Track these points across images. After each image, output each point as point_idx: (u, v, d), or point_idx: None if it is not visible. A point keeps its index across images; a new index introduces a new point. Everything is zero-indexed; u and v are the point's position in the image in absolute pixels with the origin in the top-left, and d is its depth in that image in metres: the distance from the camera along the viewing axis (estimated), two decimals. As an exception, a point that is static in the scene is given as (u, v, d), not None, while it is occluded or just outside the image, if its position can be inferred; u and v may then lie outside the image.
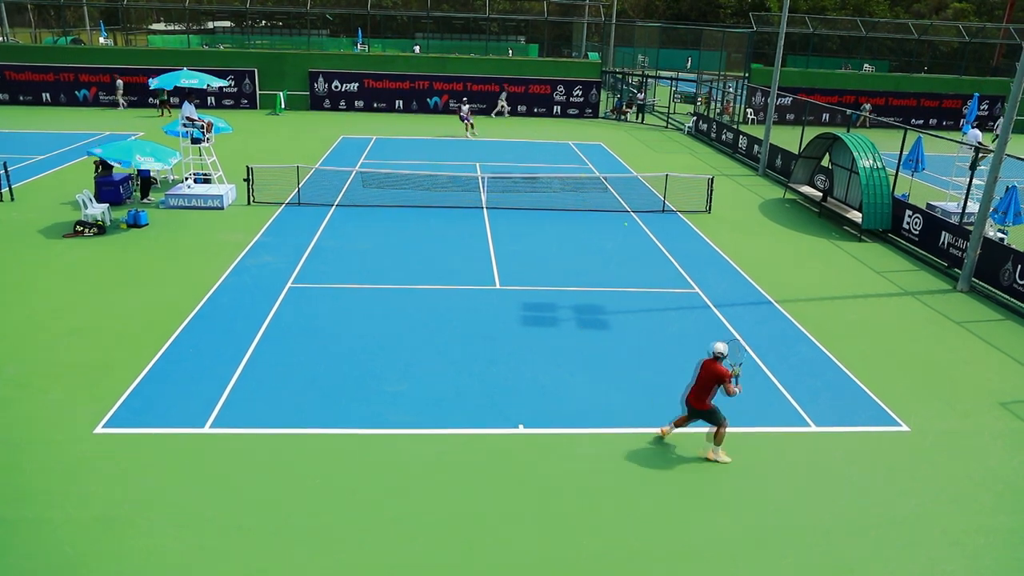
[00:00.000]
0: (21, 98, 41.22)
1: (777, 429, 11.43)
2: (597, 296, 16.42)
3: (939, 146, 28.70)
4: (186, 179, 23.04)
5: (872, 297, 17.32)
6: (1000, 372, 13.77)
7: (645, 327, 14.92)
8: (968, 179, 20.59)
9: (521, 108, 44.44)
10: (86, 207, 19.91)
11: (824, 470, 10.45)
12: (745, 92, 44.24)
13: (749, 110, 44.46)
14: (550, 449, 10.70)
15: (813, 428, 11.51)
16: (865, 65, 54.51)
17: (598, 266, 18.39)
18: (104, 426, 10.80)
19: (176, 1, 51.17)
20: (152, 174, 23.88)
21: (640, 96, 46.00)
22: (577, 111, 44.98)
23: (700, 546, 8.88)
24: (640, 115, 45.26)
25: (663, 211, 23.89)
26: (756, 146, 32.15)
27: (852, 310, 16.43)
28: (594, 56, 50.28)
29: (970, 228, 18.41)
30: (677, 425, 10.85)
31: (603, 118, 45.39)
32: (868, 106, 45.17)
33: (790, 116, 43.85)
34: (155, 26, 61.84)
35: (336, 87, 43.15)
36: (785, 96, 40.29)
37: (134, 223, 20.23)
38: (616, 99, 47.44)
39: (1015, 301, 17.02)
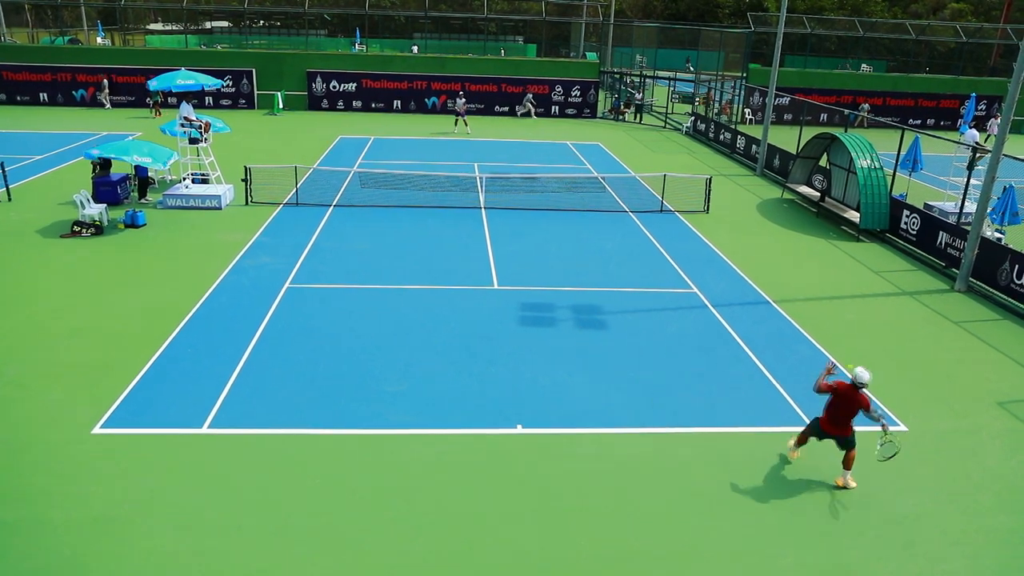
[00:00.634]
0: (18, 98, 41.15)
1: (775, 429, 11.44)
2: (595, 296, 16.42)
3: (937, 146, 28.74)
4: (184, 179, 23.01)
5: (870, 297, 17.34)
6: (998, 372, 13.79)
7: (643, 327, 14.92)
8: (965, 179, 20.62)
9: (519, 108, 44.39)
10: (83, 207, 19.88)
11: (823, 470, 10.45)
12: (743, 92, 44.27)
13: (747, 110, 44.50)
14: (549, 449, 10.70)
15: (811, 428, 11.51)
16: (863, 65, 54.56)
17: (596, 266, 18.39)
18: (102, 426, 10.78)
19: (174, 1, 51.12)
20: (150, 174, 23.86)
21: (638, 96, 46.03)
22: (575, 111, 44.99)
23: (699, 546, 8.89)
24: (638, 115, 45.28)
25: (661, 211, 23.90)
26: (754, 146, 32.18)
27: (850, 310, 16.45)
28: (592, 56, 50.29)
29: (967, 228, 18.43)
30: (800, 443, 10.56)
31: (601, 118, 45.40)
32: (866, 106, 45.21)
33: (788, 116, 43.87)
34: (153, 26, 61.78)
35: (334, 87, 43.12)
36: (783, 96, 40.34)
37: (132, 223, 20.21)
38: (614, 99, 47.46)
39: (1013, 301, 17.05)
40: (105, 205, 20.77)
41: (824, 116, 41.64)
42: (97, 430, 10.70)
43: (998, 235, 20.03)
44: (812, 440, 10.45)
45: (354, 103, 43.47)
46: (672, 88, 49.85)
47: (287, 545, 8.61)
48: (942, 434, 11.55)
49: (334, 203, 23.22)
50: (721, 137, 36.73)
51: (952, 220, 20.90)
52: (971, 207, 20.57)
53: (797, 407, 12.08)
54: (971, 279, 18.09)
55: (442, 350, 13.54)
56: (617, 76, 48.94)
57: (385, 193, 24.28)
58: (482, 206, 23.51)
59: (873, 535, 9.16)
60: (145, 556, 8.33)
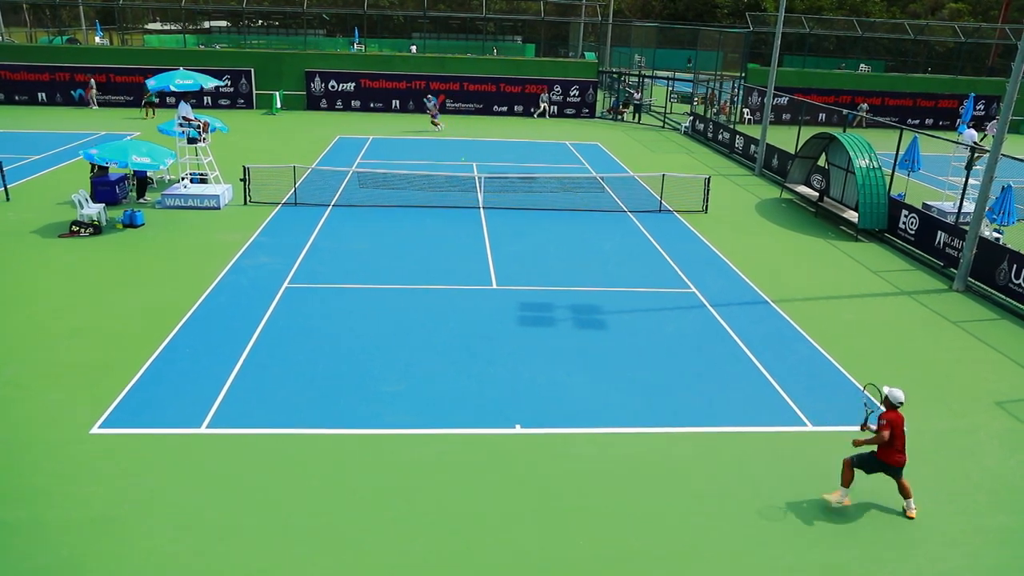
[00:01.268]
0: (17, 98, 41.12)
1: (774, 428, 11.44)
2: (594, 296, 16.42)
3: (935, 146, 28.75)
4: (182, 179, 22.99)
5: (868, 297, 17.35)
6: (996, 371, 13.80)
7: (642, 327, 14.93)
8: (964, 179, 20.63)
9: (518, 108, 44.44)
10: (82, 207, 19.86)
11: (821, 469, 10.45)
12: (742, 92, 44.29)
13: (746, 110, 44.51)
14: (548, 449, 10.70)
15: (810, 427, 11.53)
16: (861, 65, 54.60)
17: (595, 266, 18.39)
18: (101, 426, 10.77)
19: (172, 1, 51.08)
20: (148, 174, 23.84)
21: (637, 96, 46.04)
22: (574, 111, 45.00)
23: (698, 545, 8.89)
24: (637, 115, 45.30)
25: (660, 211, 23.90)
26: (753, 146, 32.20)
27: (848, 310, 16.46)
28: (591, 56, 50.29)
29: (966, 228, 18.45)
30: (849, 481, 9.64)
31: (600, 118, 45.41)
32: (865, 106, 45.25)
33: (786, 116, 43.89)
34: (151, 26, 61.75)
35: (333, 87, 43.12)
36: (781, 96, 40.34)
37: (130, 223, 20.19)
38: (613, 99, 47.46)
39: (1011, 301, 17.06)
40: (103, 205, 20.75)
41: (823, 116, 41.67)
42: (96, 430, 10.69)
43: (996, 235, 20.05)
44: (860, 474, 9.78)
45: (352, 103, 43.47)
46: (671, 88, 49.87)
47: (287, 545, 8.61)
48: (941, 434, 11.56)
49: (333, 203, 23.21)
50: (720, 137, 36.75)
51: (950, 220, 20.92)
52: (969, 207, 20.59)
53: (795, 406, 12.09)
54: (969, 279, 18.10)
55: (441, 350, 13.54)
56: (616, 76, 48.96)
57: (384, 193, 24.27)
58: (481, 206, 23.51)
59: (872, 535, 9.16)
60: (144, 556, 8.33)
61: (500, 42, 64.26)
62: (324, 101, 43.28)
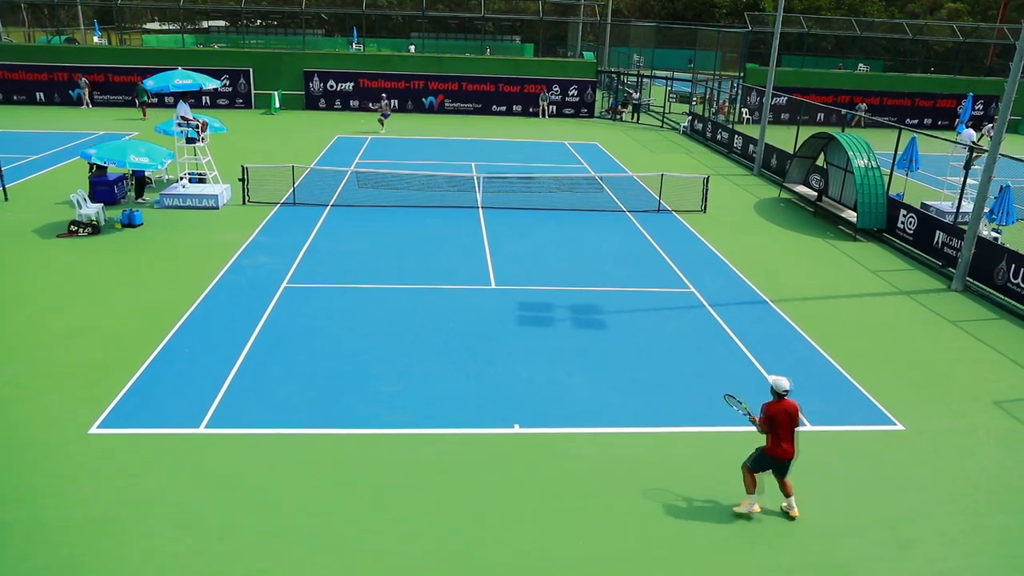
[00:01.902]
0: (15, 97, 41.08)
1: (773, 428, 11.43)
2: (593, 296, 16.42)
3: (933, 146, 28.77)
4: (181, 179, 22.97)
5: (867, 296, 17.36)
6: (995, 371, 13.81)
7: (641, 327, 14.93)
8: (962, 178, 20.65)
9: (516, 108, 44.44)
10: (80, 207, 19.85)
11: (820, 469, 10.47)
12: (741, 92, 44.30)
13: (744, 110, 44.53)
14: (546, 449, 10.70)
15: (808, 427, 11.52)
16: (860, 65, 54.63)
17: (594, 266, 18.39)
18: (99, 426, 10.76)
19: (171, 1, 51.04)
20: (147, 174, 23.82)
21: (635, 96, 46.05)
22: (573, 111, 45.00)
23: (696, 545, 8.89)
24: (636, 115, 45.30)
25: (659, 211, 23.91)
26: (751, 146, 32.21)
27: (847, 309, 16.47)
28: (589, 56, 50.28)
29: (964, 227, 18.46)
30: (753, 489, 9.41)
31: (599, 118, 45.42)
32: (863, 105, 45.27)
33: (785, 116, 43.92)
34: (150, 25, 61.71)
35: (331, 87, 43.09)
36: (780, 96, 40.36)
37: (129, 223, 20.17)
38: (611, 99, 47.46)
39: (1009, 300, 17.07)
40: (102, 204, 20.73)
41: (821, 116, 41.70)
42: (95, 430, 10.68)
43: (995, 234, 20.07)
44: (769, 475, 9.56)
45: (351, 102, 43.44)
46: (669, 88, 49.87)
47: (286, 545, 8.60)
48: (939, 434, 11.57)
49: (331, 203, 23.20)
50: (718, 137, 36.76)
51: (949, 220, 20.93)
52: (968, 206, 20.60)
53: (794, 406, 12.08)
54: (968, 278, 18.11)
55: (440, 350, 13.53)
56: (614, 76, 48.96)
57: (382, 193, 24.26)
58: (480, 206, 23.51)
59: (871, 534, 9.17)
60: (143, 556, 8.32)
61: (498, 42, 64.25)
62: (323, 101, 43.26)
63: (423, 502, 9.44)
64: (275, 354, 13.14)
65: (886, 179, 22.33)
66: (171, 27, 58.95)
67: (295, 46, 51.74)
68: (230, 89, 42.21)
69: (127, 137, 30.77)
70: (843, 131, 25.29)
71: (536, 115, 44.43)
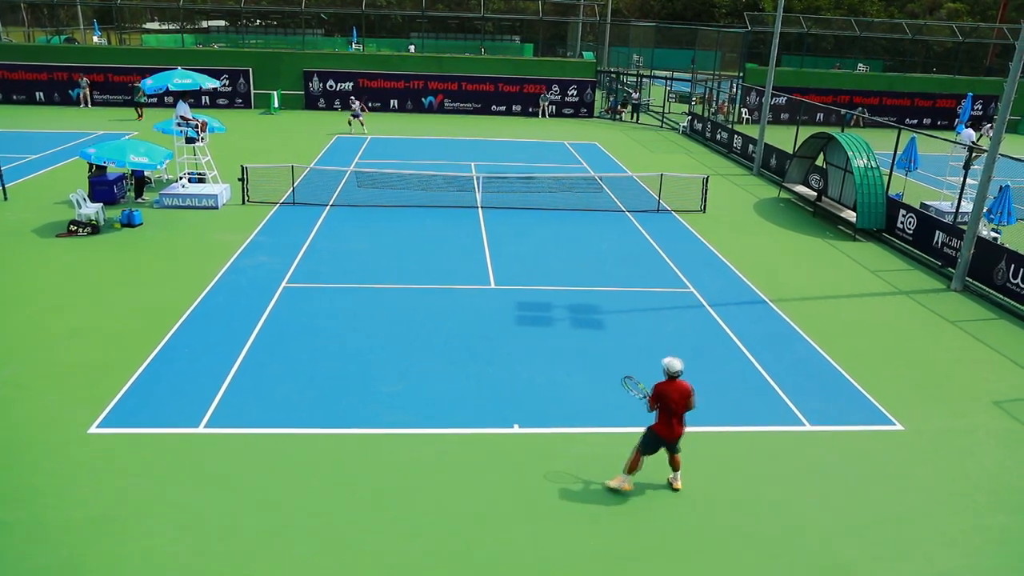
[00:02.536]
0: (14, 97, 41.08)
1: (772, 428, 11.45)
2: (592, 296, 16.43)
3: (933, 146, 28.78)
4: (180, 179, 22.97)
5: (866, 296, 17.37)
6: (994, 371, 13.81)
7: (640, 327, 14.93)
8: (962, 178, 20.66)
9: (516, 108, 44.44)
10: (80, 207, 19.84)
11: (819, 469, 10.47)
12: (740, 92, 44.30)
13: (744, 109, 44.54)
14: (546, 449, 10.70)
15: (808, 427, 11.53)
16: (859, 65, 54.65)
17: (593, 266, 18.40)
18: (99, 426, 10.76)
19: (170, 0, 51.04)
20: (146, 174, 23.82)
21: (635, 96, 46.05)
22: (572, 111, 45.00)
23: (695, 545, 8.89)
24: (635, 115, 45.30)
25: (658, 211, 23.91)
26: (751, 146, 32.21)
27: (847, 309, 16.47)
28: (589, 56, 50.29)
29: (964, 227, 18.46)
30: (633, 470, 9.61)
31: (598, 118, 45.42)
32: (861, 109, 45.30)
33: (784, 116, 43.95)
34: (149, 25, 61.71)
35: (331, 86, 43.09)
36: (780, 96, 40.38)
37: (128, 223, 20.17)
38: (611, 99, 47.46)
39: (1009, 300, 17.08)
40: (101, 204, 20.72)
41: (820, 116, 41.71)
42: (94, 430, 10.68)
43: (994, 234, 20.08)
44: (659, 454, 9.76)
45: (351, 102, 43.37)
46: (669, 88, 49.87)
47: (285, 545, 8.60)
48: (939, 433, 11.57)
49: (331, 203, 23.19)
50: (718, 137, 36.77)
51: (948, 220, 20.94)
52: (967, 206, 20.61)
53: (794, 406, 12.10)
54: (967, 278, 18.12)
55: (439, 350, 13.53)
56: (614, 76, 48.97)
57: (382, 193, 24.26)
58: (479, 206, 23.50)
59: (870, 534, 9.17)
60: (143, 556, 8.32)
61: (498, 42, 64.24)
62: (322, 100, 43.25)
63: (423, 502, 9.44)
64: (275, 354, 13.14)
65: (886, 179, 22.34)
66: (171, 27, 58.95)
67: (295, 46, 51.73)
68: (230, 89, 42.21)
69: (126, 137, 30.75)
70: (843, 131, 25.30)
71: (536, 115, 44.45)
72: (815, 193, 25.24)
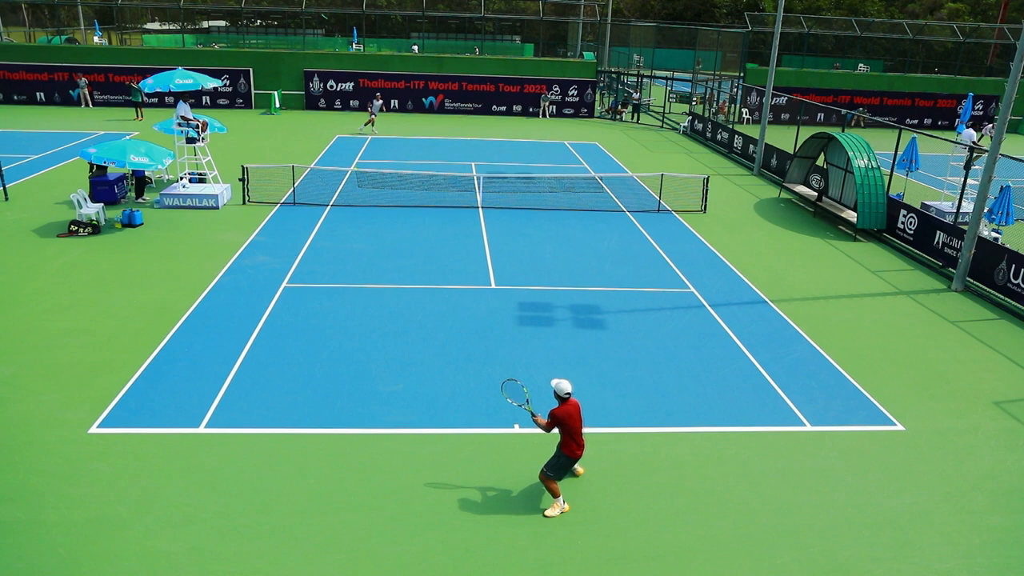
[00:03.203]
0: (15, 97, 41.08)
1: (772, 428, 11.45)
2: (592, 296, 16.43)
3: (934, 146, 28.78)
4: (181, 179, 22.98)
5: (867, 296, 17.36)
6: (995, 371, 13.81)
7: (640, 327, 14.93)
8: (962, 179, 20.65)
9: (516, 108, 44.45)
10: (80, 207, 19.85)
11: (819, 469, 10.47)
12: (741, 92, 44.30)
13: (744, 110, 44.53)
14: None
15: (808, 427, 11.53)
16: (860, 65, 54.64)
17: (593, 266, 18.40)
18: (99, 426, 10.77)
19: (171, 0, 51.06)
20: (147, 174, 23.83)
21: (635, 96, 46.06)
22: (573, 111, 45.01)
23: (695, 545, 8.89)
24: (635, 115, 45.31)
25: (658, 211, 23.91)
26: (751, 146, 32.21)
27: (847, 309, 16.47)
28: (589, 56, 50.30)
29: (965, 228, 18.45)
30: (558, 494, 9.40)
31: (599, 118, 45.42)
32: (862, 108, 45.30)
33: (785, 116, 43.95)
34: (150, 25, 61.70)
35: (331, 87, 43.10)
36: (780, 96, 40.37)
37: (129, 223, 20.18)
38: (611, 99, 47.45)
39: (1009, 301, 17.07)
40: (102, 204, 20.73)
41: (821, 116, 41.70)
42: (94, 430, 10.68)
43: (995, 234, 20.07)
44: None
45: (351, 102, 43.45)
46: (669, 88, 49.88)
47: (285, 545, 8.60)
48: (938, 433, 11.57)
49: (331, 203, 23.20)
50: (718, 137, 36.76)
51: (949, 220, 20.93)
52: (968, 207, 20.61)
53: (794, 406, 12.10)
54: (968, 279, 18.12)
55: (439, 350, 13.53)
56: (614, 76, 48.97)
57: (382, 193, 24.27)
58: (480, 206, 23.51)
59: (869, 534, 9.17)
60: (142, 556, 8.32)
61: (498, 42, 64.25)
62: (323, 101, 43.27)
63: (422, 502, 9.44)
64: (275, 354, 13.14)
65: (886, 179, 22.34)
66: (171, 27, 58.96)
67: (295, 46, 51.75)
68: (230, 89, 42.22)
69: (127, 137, 30.77)
70: (843, 131, 25.29)
71: (536, 115, 44.46)
72: (816, 193, 25.23)
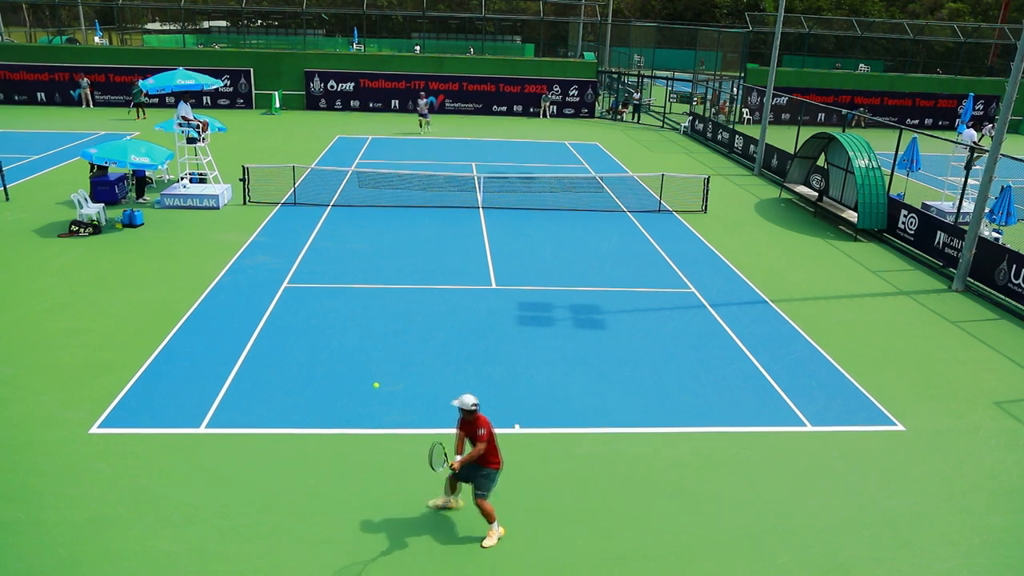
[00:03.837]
0: (16, 97, 41.10)
1: (773, 429, 11.44)
2: (593, 296, 16.42)
3: (934, 146, 28.78)
4: (182, 179, 22.98)
5: (867, 297, 17.36)
6: (995, 371, 13.80)
7: (641, 327, 14.92)
8: (963, 179, 20.65)
9: (517, 108, 44.45)
10: (81, 207, 19.86)
11: (820, 469, 10.46)
12: (741, 92, 44.30)
13: (745, 110, 44.52)
14: (547, 449, 10.70)
15: (809, 427, 11.53)
16: (860, 65, 54.63)
17: (594, 266, 18.39)
18: (99, 426, 10.77)
19: (171, 1, 51.07)
20: (147, 174, 23.84)
21: (636, 96, 46.05)
22: (573, 111, 45.00)
23: (695, 545, 8.89)
24: (636, 115, 45.30)
25: (659, 211, 23.90)
26: (752, 146, 32.20)
27: (847, 309, 16.46)
28: (590, 56, 50.29)
29: (965, 228, 18.45)
30: (454, 490, 9.11)
31: (599, 118, 45.41)
32: (862, 108, 45.29)
33: (786, 116, 43.93)
34: (150, 25, 61.72)
35: (332, 87, 43.10)
36: (781, 96, 40.36)
37: (129, 223, 20.18)
38: (612, 99, 47.45)
39: (1010, 301, 17.06)
40: (103, 204, 20.75)
41: (822, 116, 41.68)
42: (95, 430, 10.69)
43: (996, 235, 20.07)
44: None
45: (352, 103, 43.46)
46: (670, 88, 49.87)
47: (285, 545, 8.60)
48: (939, 433, 11.56)
49: (332, 203, 23.20)
50: (719, 137, 36.75)
51: (950, 220, 20.93)
52: (969, 207, 20.60)
53: (794, 406, 12.09)
54: (969, 279, 18.11)
55: (440, 350, 13.53)
56: (615, 76, 48.97)
57: (383, 193, 24.27)
58: (480, 206, 23.51)
59: (869, 534, 9.16)
60: (142, 556, 8.32)
61: (499, 42, 64.26)
62: (323, 101, 43.27)
63: (422, 502, 9.43)
64: (276, 354, 13.14)
65: (887, 179, 22.33)
66: (172, 27, 58.98)
67: (296, 46, 51.75)
68: (231, 89, 42.23)
69: (128, 137, 30.78)
70: (844, 131, 25.28)
71: (537, 115, 44.46)
72: (816, 193, 25.22)
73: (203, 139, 23.01)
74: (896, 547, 8.97)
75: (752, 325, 15.26)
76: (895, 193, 23.00)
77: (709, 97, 45.48)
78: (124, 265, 17.43)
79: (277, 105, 41.74)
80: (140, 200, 22.88)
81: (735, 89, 44.47)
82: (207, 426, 10.88)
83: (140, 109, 37.86)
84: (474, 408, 8.51)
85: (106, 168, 22.14)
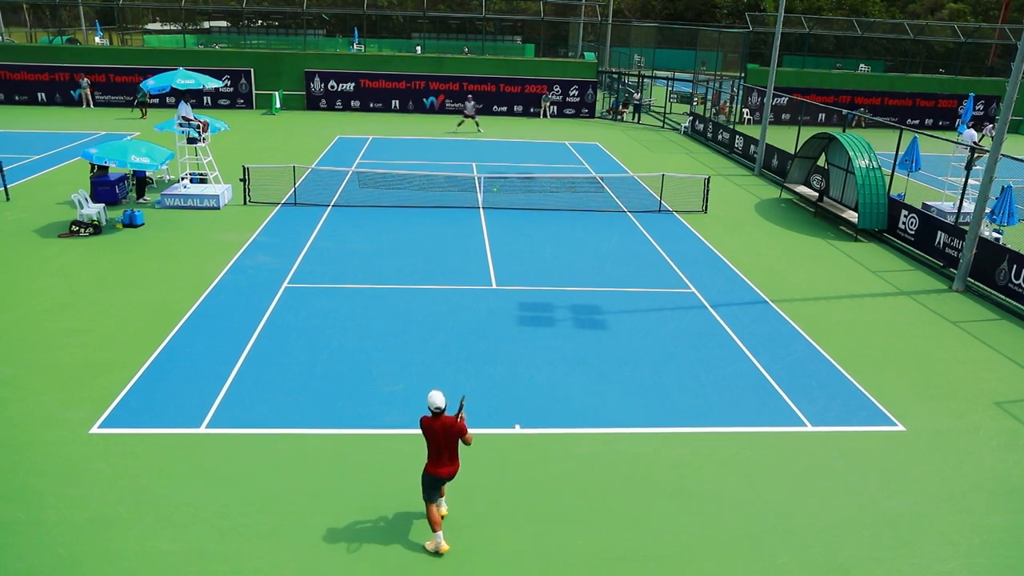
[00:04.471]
0: (16, 98, 41.12)
1: (773, 429, 11.44)
2: (593, 296, 16.42)
3: (935, 146, 28.77)
4: (182, 179, 22.99)
5: (868, 297, 17.35)
6: (995, 372, 13.79)
7: (641, 327, 14.92)
8: (963, 179, 20.63)
9: (517, 108, 44.45)
10: (81, 207, 19.86)
11: (820, 469, 10.46)
12: (741, 92, 44.30)
13: (745, 110, 44.52)
14: (547, 449, 10.70)
15: (809, 428, 11.53)
16: (861, 65, 54.62)
17: (594, 266, 18.40)
18: (100, 426, 10.77)
19: (172, 1, 51.08)
20: (148, 174, 23.85)
21: (636, 96, 46.05)
22: (574, 111, 45.00)
23: (695, 545, 8.89)
24: (636, 115, 45.30)
25: (659, 211, 23.90)
26: (752, 146, 32.20)
27: (848, 310, 16.46)
28: (590, 56, 50.29)
29: (966, 228, 18.45)
30: (439, 526, 8.58)
31: (599, 118, 45.41)
32: (863, 108, 45.28)
33: (786, 116, 43.93)
34: (151, 26, 61.73)
35: (332, 87, 43.11)
36: (781, 96, 40.36)
37: (130, 223, 20.19)
38: (612, 99, 47.46)
39: (1011, 301, 17.06)
40: (103, 205, 20.75)
41: (822, 116, 41.68)
42: (95, 430, 10.69)
43: (996, 235, 20.06)
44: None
45: (352, 103, 43.47)
46: (670, 88, 49.89)
47: (285, 545, 8.60)
48: (939, 433, 11.56)
49: (332, 203, 23.21)
50: (719, 137, 36.75)
51: (950, 220, 20.92)
52: (969, 207, 20.59)
53: (795, 406, 12.09)
54: (969, 279, 18.10)
55: (440, 350, 13.53)
56: (615, 76, 48.97)
57: (383, 193, 24.27)
58: (480, 206, 23.51)
59: (869, 534, 9.16)
60: (142, 556, 8.32)
61: (499, 42, 64.27)
62: (324, 101, 43.28)
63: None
64: (276, 354, 13.15)
65: (887, 179, 22.32)
66: (172, 27, 58.99)
67: (296, 46, 51.75)
68: (231, 89, 42.24)
69: (128, 137, 30.79)
70: (844, 131, 25.27)
71: (537, 115, 44.47)
72: (816, 193, 25.22)
73: (203, 139, 23.02)
74: (896, 547, 8.96)
75: (752, 325, 15.26)
76: (895, 193, 23.00)
77: (709, 97, 45.47)
78: (124, 265, 17.43)
79: (277, 105, 41.76)
80: (140, 200, 22.89)
81: (735, 89, 44.47)
82: (207, 426, 10.89)
83: (143, 109, 37.88)
84: (432, 411, 8.30)
85: (106, 168, 22.14)
